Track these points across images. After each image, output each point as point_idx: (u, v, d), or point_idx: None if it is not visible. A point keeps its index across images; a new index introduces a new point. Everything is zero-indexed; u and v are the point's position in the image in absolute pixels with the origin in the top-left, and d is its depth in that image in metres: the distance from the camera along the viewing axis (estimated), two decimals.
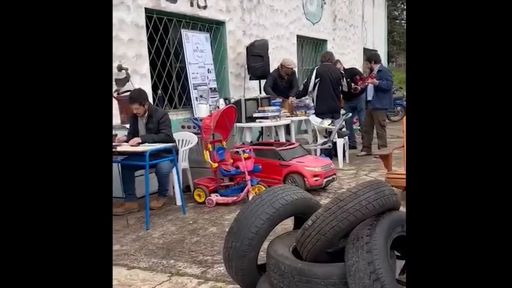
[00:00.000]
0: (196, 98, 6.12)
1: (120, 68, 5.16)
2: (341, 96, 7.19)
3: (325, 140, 6.30)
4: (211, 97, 6.12)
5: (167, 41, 6.24)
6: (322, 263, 1.88)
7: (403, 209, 1.89)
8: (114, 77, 5.15)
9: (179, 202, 4.46)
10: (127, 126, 4.69)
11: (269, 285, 1.99)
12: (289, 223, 2.63)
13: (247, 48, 7.14)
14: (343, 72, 7.31)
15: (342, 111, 7.22)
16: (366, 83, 7.04)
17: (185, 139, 5.05)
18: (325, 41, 10.42)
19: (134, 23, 5.45)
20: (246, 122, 5.86)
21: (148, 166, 3.94)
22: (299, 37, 9.28)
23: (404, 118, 4.74)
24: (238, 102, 5.83)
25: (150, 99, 5.17)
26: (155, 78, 6.01)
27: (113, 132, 4.46)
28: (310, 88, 6.79)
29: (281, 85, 7.08)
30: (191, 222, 4.05)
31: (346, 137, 6.69)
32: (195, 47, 6.36)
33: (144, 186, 3.98)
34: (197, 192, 4.67)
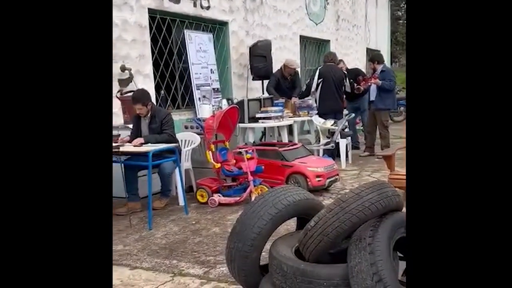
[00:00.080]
0: (199, 98, 6.13)
1: (123, 69, 5.17)
2: (344, 96, 7.19)
3: (328, 140, 6.30)
4: (214, 98, 6.12)
5: (170, 42, 6.25)
6: (324, 264, 1.88)
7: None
8: (117, 77, 5.17)
9: (181, 202, 4.47)
10: (130, 126, 4.70)
11: (271, 285, 1.99)
12: (291, 223, 2.63)
13: (250, 48, 7.14)
14: (346, 72, 7.30)
15: (345, 112, 7.21)
16: (369, 84, 7.03)
17: (188, 140, 5.06)
18: (328, 41, 10.41)
19: (137, 24, 5.46)
20: (249, 122, 5.86)
21: (151, 166, 3.94)
22: (302, 38, 9.28)
23: None
24: (241, 103, 5.83)
25: (153, 99, 5.18)
26: (158, 78, 6.02)
27: (116, 132, 4.47)
28: (313, 89, 6.79)
29: (284, 86, 7.07)
30: (193, 222, 4.05)
31: (349, 137, 6.69)
32: (198, 48, 6.37)
33: (147, 186, 3.99)
34: (200, 193, 4.67)
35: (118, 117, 5.12)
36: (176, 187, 4.66)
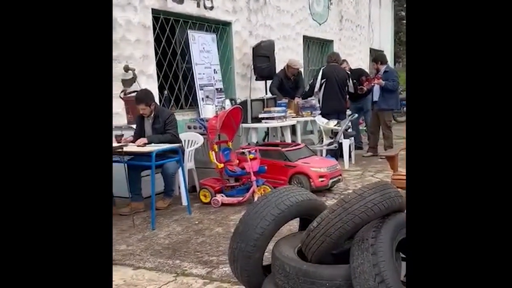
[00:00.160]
0: (202, 98, 6.14)
1: (127, 69, 5.19)
2: (347, 97, 7.18)
3: (331, 141, 6.29)
4: (217, 98, 6.13)
5: (173, 42, 6.26)
6: (327, 265, 1.88)
7: None
8: (121, 77, 5.19)
9: (185, 202, 4.48)
10: (134, 126, 4.71)
11: (274, 286, 2.00)
12: (294, 224, 2.63)
13: (253, 48, 7.15)
14: (349, 72, 7.29)
15: (348, 112, 7.21)
16: (372, 84, 7.03)
17: (191, 140, 5.07)
18: (331, 41, 10.40)
19: (141, 24, 5.47)
20: (252, 122, 5.86)
21: (154, 166, 3.95)
22: (305, 38, 9.27)
23: None
24: (244, 103, 5.84)
25: (157, 100, 5.19)
26: (161, 78, 6.03)
27: (120, 132, 4.49)
28: (316, 89, 6.79)
29: (287, 86, 7.07)
30: (196, 222, 4.06)
31: (352, 138, 6.68)
32: (202, 48, 6.38)
33: (150, 186, 4.00)
34: (203, 193, 4.68)
35: (121, 117, 5.14)
36: (179, 187, 4.67)
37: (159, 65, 5.94)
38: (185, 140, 4.96)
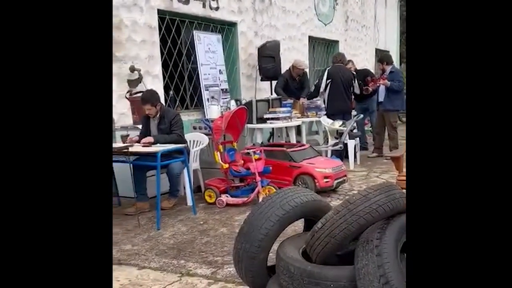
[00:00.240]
0: (208, 99, 6.15)
1: (132, 69, 5.21)
2: (353, 97, 7.17)
3: (336, 141, 6.28)
4: (222, 98, 6.14)
5: (179, 42, 6.28)
6: (331, 266, 1.88)
7: None
8: (126, 78, 5.21)
9: (190, 202, 4.49)
10: (139, 126, 4.74)
11: (278, 286, 2.00)
12: (299, 225, 2.63)
13: (258, 49, 7.15)
14: (355, 73, 7.28)
15: (354, 112, 7.20)
16: (378, 84, 7.01)
17: (196, 140, 5.08)
18: (337, 42, 10.39)
19: (147, 25, 5.49)
20: (257, 123, 5.87)
21: (160, 166, 3.97)
22: (310, 38, 9.26)
23: None
24: (249, 103, 5.85)
25: (162, 100, 5.20)
26: (167, 79, 6.05)
27: (126, 133, 4.51)
28: (321, 89, 6.79)
29: (292, 86, 7.07)
30: (201, 222, 4.07)
31: (357, 138, 6.67)
32: (207, 48, 6.39)
33: (156, 187, 4.02)
34: (208, 193, 4.69)
35: (127, 118, 5.16)
36: (184, 187, 4.69)
37: (164, 66, 5.96)
38: (190, 141, 4.98)
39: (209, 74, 6.38)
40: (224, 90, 6.61)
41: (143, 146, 4.19)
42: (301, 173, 4.84)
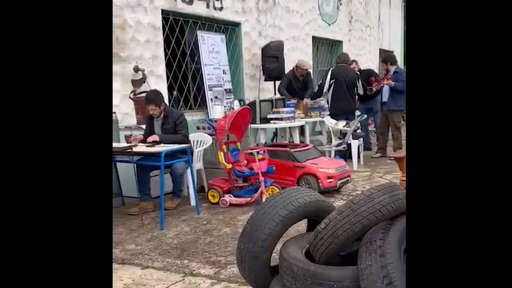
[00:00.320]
0: (211, 99, 6.16)
1: (136, 69, 5.22)
2: (356, 97, 7.16)
3: (340, 141, 6.28)
4: (226, 98, 6.15)
5: (183, 43, 6.29)
6: (335, 266, 1.88)
7: None
8: (130, 78, 5.22)
9: (193, 202, 4.50)
10: (143, 126, 4.75)
11: (281, 287, 2.00)
12: (302, 225, 2.63)
13: (262, 49, 7.16)
14: (358, 73, 7.26)
15: (357, 113, 7.18)
16: (382, 84, 6.99)
17: (200, 140, 5.09)
18: (340, 42, 10.38)
19: (151, 25, 5.51)
20: (261, 123, 5.87)
21: (163, 166, 3.97)
22: (314, 38, 9.26)
23: None
24: (252, 103, 5.85)
25: (166, 100, 5.22)
26: (171, 79, 6.06)
27: (129, 133, 4.52)
28: (325, 89, 6.78)
29: (296, 86, 7.07)
30: (205, 222, 4.07)
31: (361, 138, 6.65)
32: (211, 48, 6.40)
33: (159, 187, 4.02)
34: (211, 193, 4.69)
35: (131, 118, 5.18)
36: (187, 187, 4.70)
37: (168, 66, 5.97)
38: (193, 141, 4.98)
39: (212, 74, 6.39)
40: (228, 90, 6.62)
41: (147, 146, 4.20)
42: (305, 174, 4.84)
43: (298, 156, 4.99)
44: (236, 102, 6.05)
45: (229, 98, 6.40)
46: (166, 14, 5.80)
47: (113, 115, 4.56)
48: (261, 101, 6.04)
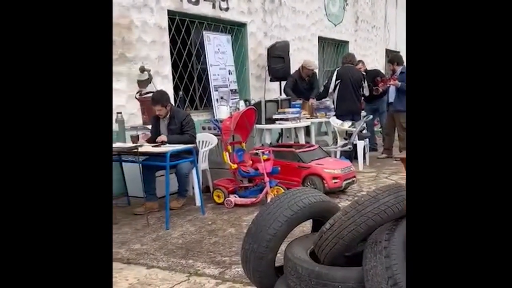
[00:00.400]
0: (217, 99, 6.17)
1: (142, 70, 5.24)
2: (362, 98, 7.14)
3: (345, 142, 6.26)
4: (231, 99, 6.15)
5: (189, 43, 6.31)
6: (339, 267, 1.88)
7: None
8: (136, 78, 5.24)
9: (198, 202, 4.50)
10: (149, 127, 4.76)
11: (286, 287, 2.00)
12: (307, 225, 2.63)
13: (268, 49, 7.16)
14: (365, 73, 7.24)
15: (363, 113, 7.16)
16: (388, 85, 6.97)
17: (205, 140, 5.10)
18: (346, 42, 10.35)
19: (157, 25, 5.53)
20: (266, 123, 5.87)
21: (169, 166, 3.98)
22: (320, 39, 9.24)
23: None
24: (258, 104, 5.85)
25: (172, 101, 5.23)
26: (176, 79, 6.07)
27: (135, 133, 4.54)
28: (331, 90, 6.77)
29: (302, 87, 7.06)
30: (210, 222, 4.08)
31: (367, 139, 6.63)
32: (217, 49, 6.41)
33: (165, 187, 4.03)
34: (216, 193, 4.70)
35: (137, 118, 5.19)
36: (193, 187, 4.70)
37: (174, 66, 5.99)
38: (199, 141, 4.99)
39: (218, 75, 6.40)
40: (233, 90, 6.62)
41: (153, 146, 4.21)
42: (310, 174, 4.83)
43: (303, 157, 4.98)
44: (242, 103, 6.05)
45: (235, 99, 6.41)
46: (172, 15, 5.81)
47: (119, 115, 4.57)
48: (266, 101, 6.04)
